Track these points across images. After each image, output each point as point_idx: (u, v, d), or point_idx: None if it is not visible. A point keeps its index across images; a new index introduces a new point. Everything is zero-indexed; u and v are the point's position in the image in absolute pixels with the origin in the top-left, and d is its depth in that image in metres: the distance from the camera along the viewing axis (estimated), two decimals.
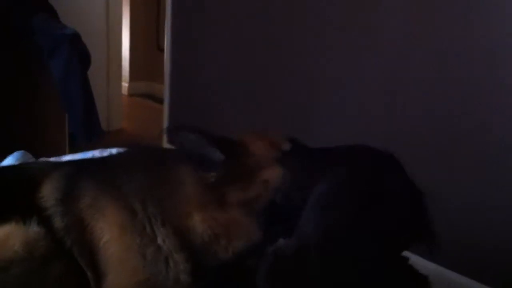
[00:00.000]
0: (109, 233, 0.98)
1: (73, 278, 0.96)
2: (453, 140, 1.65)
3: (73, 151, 2.19)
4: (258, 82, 2.29)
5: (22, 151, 1.62)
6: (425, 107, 1.71)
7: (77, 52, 2.40)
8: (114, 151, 1.42)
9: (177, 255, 0.98)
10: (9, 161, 1.59)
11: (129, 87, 4.91)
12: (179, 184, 1.01)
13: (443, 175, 1.66)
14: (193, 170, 1.00)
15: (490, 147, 1.58)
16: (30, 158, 1.63)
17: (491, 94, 1.58)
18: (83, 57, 2.41)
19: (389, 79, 1.80)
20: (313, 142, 1.10)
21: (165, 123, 3.09)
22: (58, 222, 0.99)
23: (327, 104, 2.00)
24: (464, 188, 1.63)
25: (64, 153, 2.08)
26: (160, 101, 3.44)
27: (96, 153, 1.60)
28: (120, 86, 3.85)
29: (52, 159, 1.54)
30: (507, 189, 1.54)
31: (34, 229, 0.95)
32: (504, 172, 1.55)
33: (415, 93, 1.73)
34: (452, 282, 1.60)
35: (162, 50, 3.60)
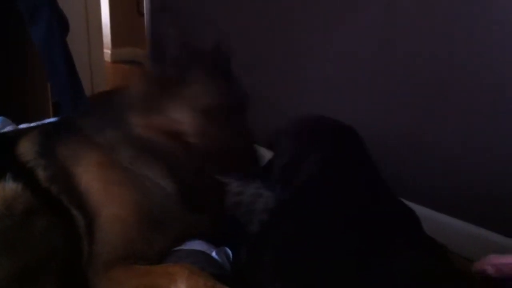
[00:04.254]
0: (90, 173, 1.03)
1: (58, 231, 0.97)
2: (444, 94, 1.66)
3: None
4: (239, 43, 2.28)
5: (1, 117, 1.62)
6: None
7: (56, 16, 2.37)
8: None
9: (162, 181, 1.07)
10: None
11: (112, 54, 4.86)
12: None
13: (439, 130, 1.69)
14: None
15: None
16: (10, 124, 1.64)
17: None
18: (61, 22, 2.38)
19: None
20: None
21: None
22: (41, 174, 1.02)
23: (312, 72, 1.99)
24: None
25: None
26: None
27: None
28: (102, 52, 3.81)
29: (33, 124, 1.55)
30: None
31: (10, 186, 0.96)
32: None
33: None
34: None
35: (143, 15, 3.56)
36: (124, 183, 1.04)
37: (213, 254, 1.06)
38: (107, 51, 4.70)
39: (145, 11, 3.04)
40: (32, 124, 1.51)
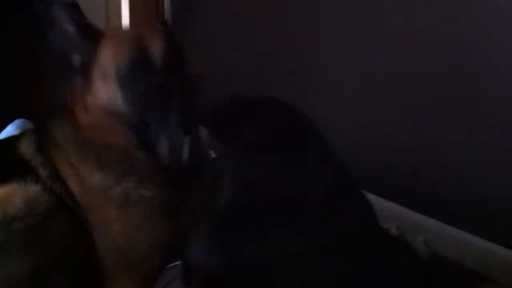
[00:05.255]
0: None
1: (74, 230, 0.99)
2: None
3: None
4: (262, 51, 2.29)
5: (23, 119, 1.64)
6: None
7: (76, 22, 2.39)
8: None
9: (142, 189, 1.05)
10: (9, 129, 1.62)
11: None
12: None
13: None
14: None
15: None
16: (31, 126, 1.65)
17: None
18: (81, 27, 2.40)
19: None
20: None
21: None
22: (41, 172, 1.04)
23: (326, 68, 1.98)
24: None
25: None
26: None
27: None
28: None
29: None
30: None
31: (32, 187, 0.99)
32: None
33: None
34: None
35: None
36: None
37: None
38: None
39: (166, 19, 3.07)
40: None
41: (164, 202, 1.06)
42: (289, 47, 2.13)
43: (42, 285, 0.95)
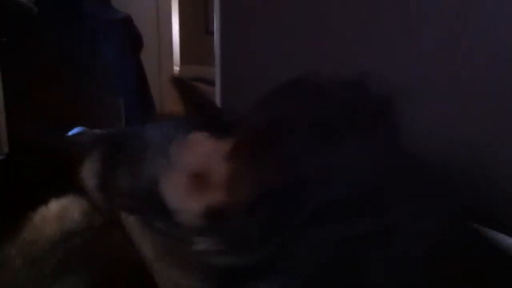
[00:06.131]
0: None
1: (129, 245, 0.98)
2: None
3: None
4: (312, 63, 2.26)
5: (82, 127, 1.67)
6: None
7: (129, 37, 2.44)
8: None
9: None
10: None
11: (180, 71, 4.97)
12: None
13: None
14: None
15: None
16: None
17: None
18: (135, 40, 2.45)
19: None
20: None
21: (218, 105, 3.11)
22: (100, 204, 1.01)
23: None
24: None
25: None
26: (211, 83, 3.46)
27: None
28: (172, 69, 3.91)
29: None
30: None
31: (87, 200, 0.98)
32: None
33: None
34: None
35: (210, 33, 3.62)
36: None
37: None
38: (175, 67, 4.81)
39: (214, 30, 3.09)
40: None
41: None
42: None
43: None
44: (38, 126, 2.23)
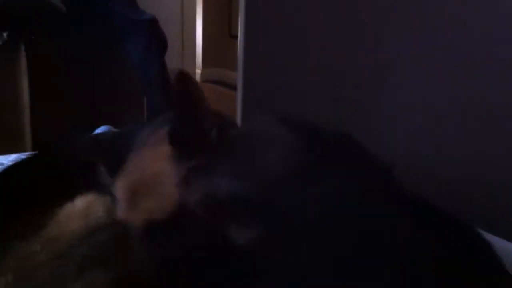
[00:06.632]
0: None
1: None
2: None
3: None
4: (336, 68, 2.25)
5: (107, 126, 1.69)
6: None
7: (155, 38, 2.46)
8: None
9: None
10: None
11: (202, 74, 4.99)
12: None
13: None
14: None
15: None
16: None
17: None
18: (160, 42, 2.47)
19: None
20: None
21: (238, 109, 3.11)
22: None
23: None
24: None
25: None
26: (232, 87, 3.47)
27: None
28: (194, 72, 3.93)
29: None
30: None
31: (111, 196, 0.98)
32: None
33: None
34: None
35: (233, 37, 3.63)
36: None
37: None
38: (198, 70, 4.83)
39: (239, 34, 3.09)
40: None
41: None
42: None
43: None
44: (63, 125, 2.25)
